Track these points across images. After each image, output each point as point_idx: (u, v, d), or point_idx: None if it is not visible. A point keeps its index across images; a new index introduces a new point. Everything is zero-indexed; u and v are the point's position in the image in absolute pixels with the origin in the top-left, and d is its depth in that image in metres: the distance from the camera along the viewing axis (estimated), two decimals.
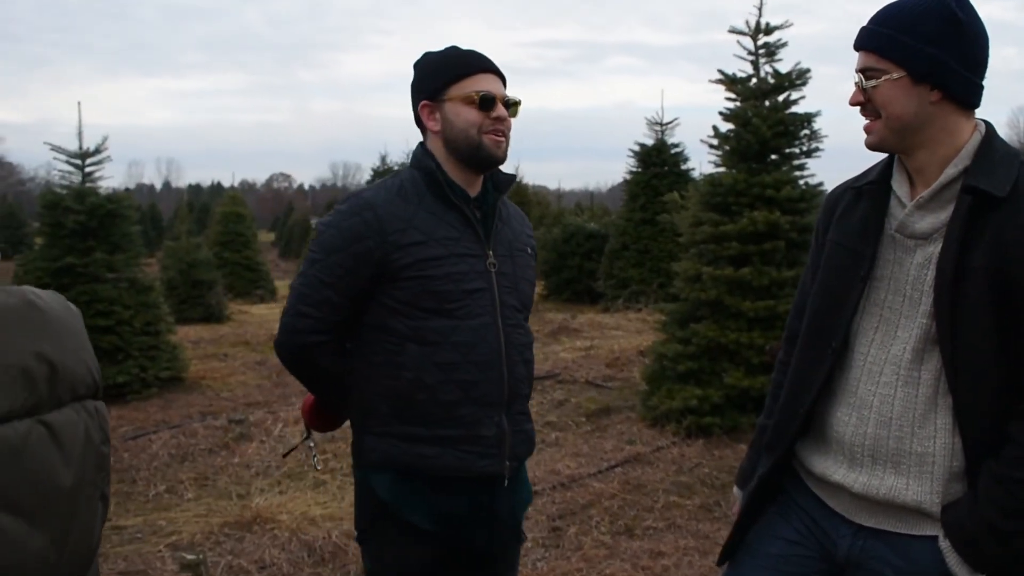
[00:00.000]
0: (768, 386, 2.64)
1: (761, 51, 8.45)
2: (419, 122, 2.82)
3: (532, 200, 35.41)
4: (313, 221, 24.15)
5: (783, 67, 8.45)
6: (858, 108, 2.23)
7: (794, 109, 8.32)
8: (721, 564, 2.54)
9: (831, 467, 2.28)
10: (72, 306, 1.31)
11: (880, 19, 2.19)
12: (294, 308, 2.71)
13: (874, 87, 2.15)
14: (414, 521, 2.68)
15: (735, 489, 2.65)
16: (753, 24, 8.42)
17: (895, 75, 2.13)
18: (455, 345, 2.63)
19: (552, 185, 52.58)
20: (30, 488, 0.99)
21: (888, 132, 2.18)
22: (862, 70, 2.18)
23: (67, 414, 1.16)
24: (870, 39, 2.18)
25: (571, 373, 10.41)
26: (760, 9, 8.45)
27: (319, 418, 2.94)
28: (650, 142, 17.63)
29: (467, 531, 2.73)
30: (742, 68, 8.55)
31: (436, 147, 2.75)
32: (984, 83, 2.18)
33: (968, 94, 2.16)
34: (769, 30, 8.42)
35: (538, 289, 19.17)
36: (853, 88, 2.23)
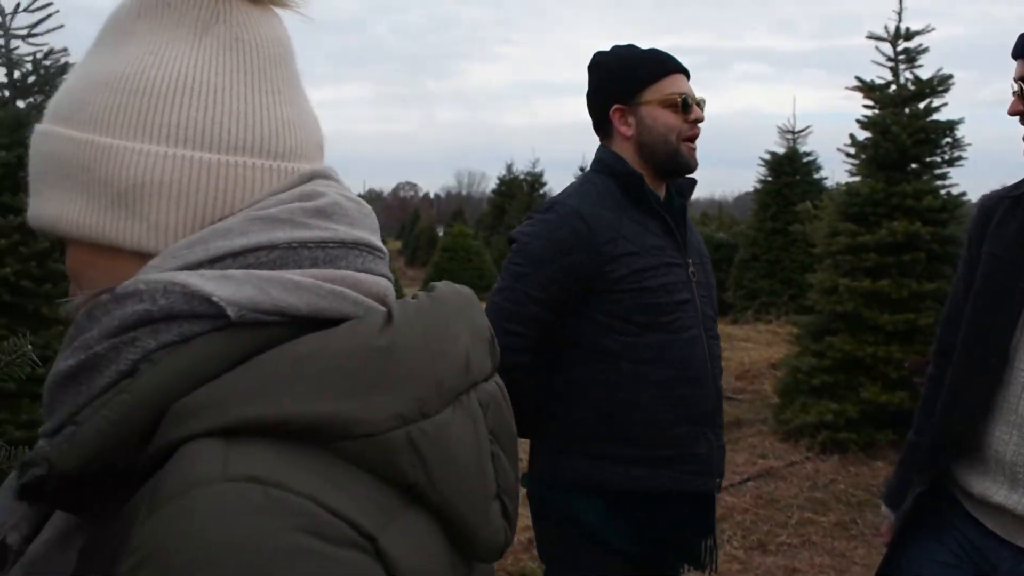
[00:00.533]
0: (907, 402, 2.57)
1: (901, 57, 8.24)
2: (602, 127, 2.68)
3: None
4: (439, 229, 24.44)
5: (923, 73, 8.22)
6: (1017, 118, 2.17)
7: (935, 116, 8.08)
8: None
9: (991, 488, 2.19)
10: None
11: None
12: (500, 326, 2.41)
13: None
14: (621, 546, 2.54)
15: (884, 508, 2.58)
16: (892, 29, 8.22)
17: None
18: (670, 362, 2.49)
19: None
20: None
21: None
22: (1020, 78, 2.10)
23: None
24: None
25: None
26: (900, 14, 8.24)
27: None
28: (781, 150, 17.30)
29: (670, 550, 2.63)
30: (880, 75, 8.36)
31: (626, 152, 2.62)
32: None
33: None
34: (909, 35, 8.21)
35: None
36: (1011, 96, 2.16)
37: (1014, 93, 2.14)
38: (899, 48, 8.22)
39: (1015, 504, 2.14)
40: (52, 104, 0.90)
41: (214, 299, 0.79)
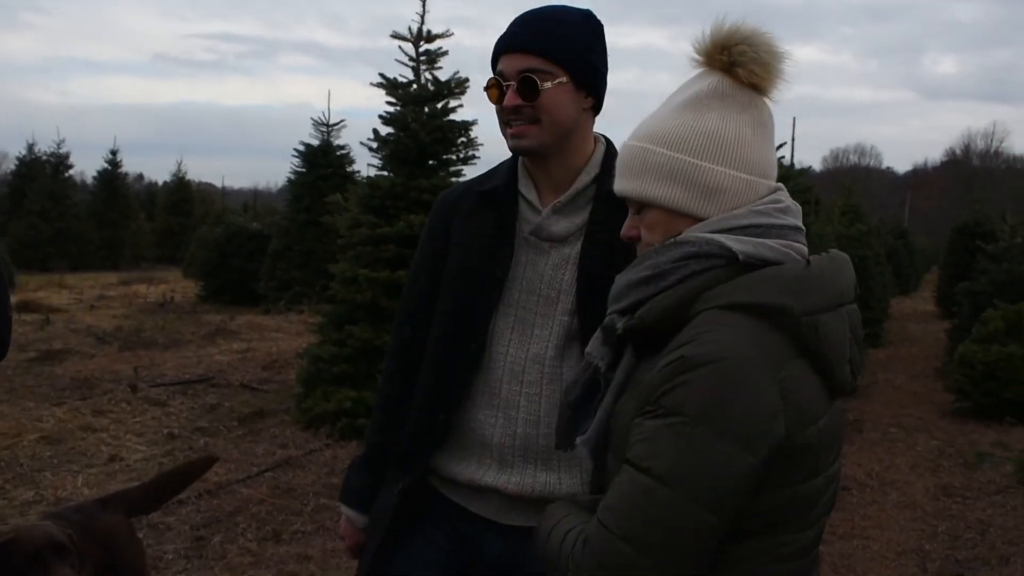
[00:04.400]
0: None
1: (423, 58, 8.58)
2: None
3: (196, 197, 34.28)
4: None
5: (443, 75, 8.62)
6: (502, 109, 2.18)
7: (452, 116, 8.51)
8: None
9: (478, 471, 2.24)
10: None
11: (534, 23, 2.17)
12: None
13: (547, 89, 2.12)
14: None
15: (347, 510, 2.49)
16: (415, 31, 8.54)
17: (562, 79, 2.14)
18: None
19: (217, 182, 50.86)
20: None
21: (548, 136, 2.17)
22: (526, 71, 2.13)
23: None
24: (532, 41, 2.15)
25: (226, 376, 10.09)
26: (423, 17, 8.58)
27: None
28: (316, 143, 17.45)
29: None
30: (403, 74, 8.65)
31: None
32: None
33: (602, 103, 2.27)
34: (431, 38, 8.56)
35: (196, 290, 18.58)
36: (504, 90, 2.15)
37: (507, 86, 2.15)
38: (421, 49, 8.56)
39: (505, 484, 2.21)
40: (647, 133, 1.75)
41: (733, 249, 1.64)
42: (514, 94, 2.15)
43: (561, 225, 2.23)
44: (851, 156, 74.92)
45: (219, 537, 5.57)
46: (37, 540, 3.01)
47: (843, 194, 19.19)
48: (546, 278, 2.23)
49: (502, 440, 2.22)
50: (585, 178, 2.23)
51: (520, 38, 2.17)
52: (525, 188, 2.28)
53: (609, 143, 2.31)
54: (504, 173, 2.33)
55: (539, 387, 2.20)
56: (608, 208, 2.17)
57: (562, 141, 2.20)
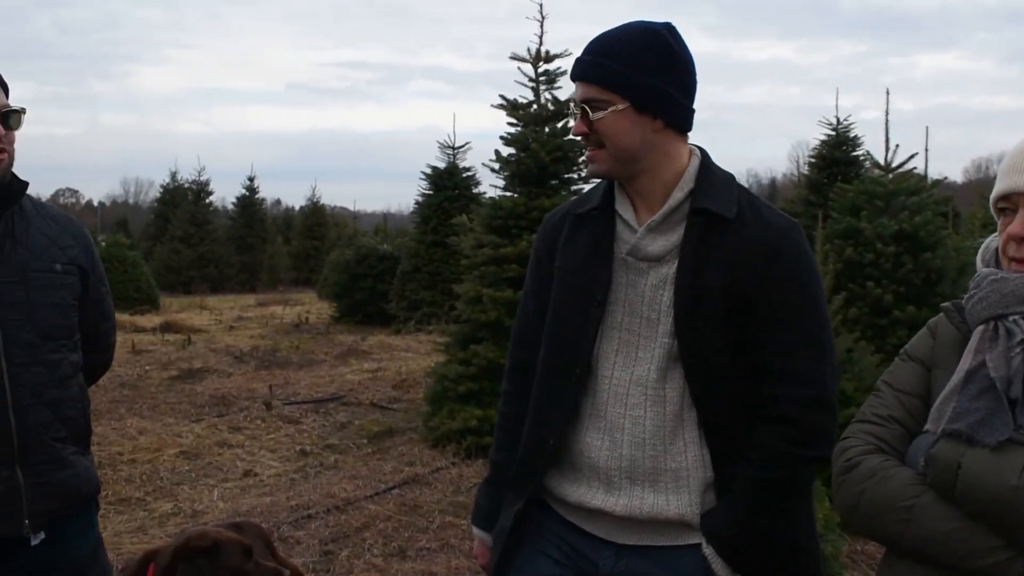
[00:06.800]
0: None
1: (542, 78, 8.67)
2: None
3: (329, 221, 35.16)
4: (101, 239, 22.93)
5: (562, 94, 8.69)
6: (580, 138, 2.25)
7: (572, 136, 8.53)
8: None
9: (587, 493, 2.26)
10: None
11: (598, 50, 2.21)
12: None
13: (600, 119, 2.17)
14: None
15: (476, 530, 2.55)
16: (534, 52, 8.63)
17: (620, 106, 2.16)
18: None
19: (350, 206, 52.12)
20: None
21: (615, 161, 2.21)
22: (585, 101, 2.19)
23: None
24: (590, 70, 2.20)
25: (356, 395, 10.33)
26: (541, 38, 8.68)
27: None
28: (442, 165, 17.76)
29: None
30: (523, 95, 8.75)
31: None
32: (695, 108, 2.28)
33: (685, 121, 2.25)
34: (549, 58, 8.65)
35: (330, 311, 19.04)
36: (575, 119, 2.23)
37: (575, 115, 2.23)
38: (540, 70, 8.64)
39: (612, 506, 2.22)
40: None
41: None
42: (579, 122, 2.21)
43: (657, 244, 2.23)
44: (993, 166, 72.16)
45: (346, 552, 5.70)
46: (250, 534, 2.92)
47: (984, 205, 18.51)
48: (646, 299, 2.23)
49: (608, 463, 2.23)
50: (679, 195, 2.23)
51: (580, 67, 2.23)
52: (622, 207, 2.29)
53: (704, 156, 2.30)
54: (601, 193, 2.35)
55: (643, 409, 2.21)
56: (703, 224, 2.19)
57: (631, 165, 2.22)
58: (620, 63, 2.17)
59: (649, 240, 2.23)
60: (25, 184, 2.55)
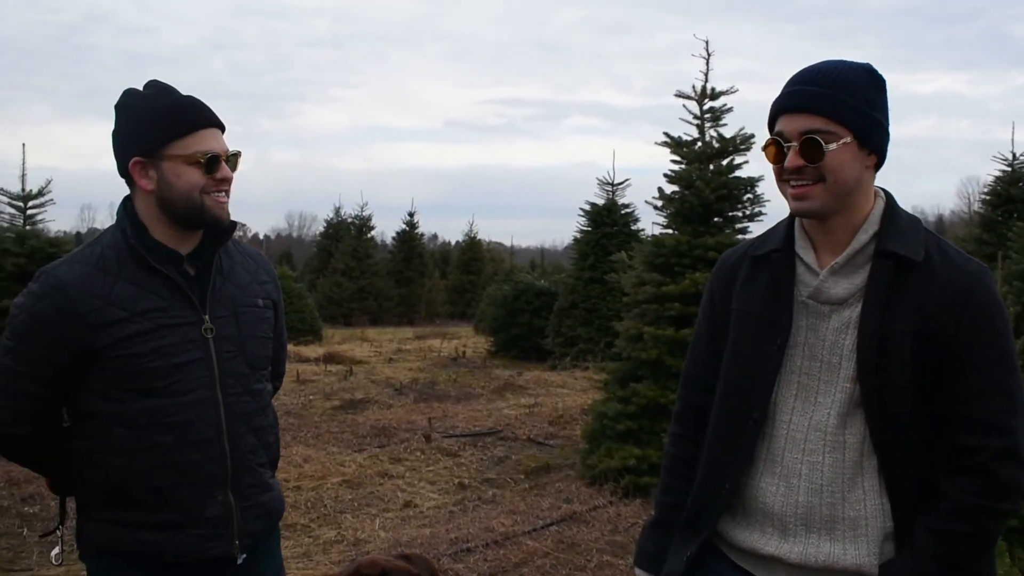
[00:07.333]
0: None
1: (707, 115, 8.58)
2: (125, 175, 2.57)
3: (485, 256, 35.63)
4: None
5: (727, 131, 8.58)
6: (781, 170, 2.17)
7: (737, 173, 8.44)
8: None
9: (760, 540, 2.23)
10: None
11: (821, 81, 2.14)
12: None
13: (832, 151, 2.10)
14: None
15: (639, 571, 2.51)
16: (699, 89, 8.57)
17: (847, 139, 2.11)
18: (168, 426, 2.46)
19: (507, 241, 52.69)
20: None
21: (831, 197, 2.13)
22: (809, 131, 2.11)
23: None
24: (820, 101, 2.12)
25: (513, 430, 10.37)
26: (706, 75, 8.60)
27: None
28: (601, 202, 17.78)
29: None
30: (687, 132, 8.68)
31: (146, 205, 2.54)
32: None
33: (884, 159, 2.21)
34: (715, 95, 8.55)
35: (486, 345, 19.25)
36: (785, 151, 2.14)
37: (788, 147, 2.13)
38: (705, 107, 8.56)
39: (787, 553, 2.18)
40: None
41: None
42: (796, 155, 2.12)
43: (840, 287, 2.18)
44: None
45: None
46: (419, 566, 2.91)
47: None
48: (827, 343, 2.18)
49: (783, 509, 2.19)
50: (863, 236, 2.17)
51: (802, 97, 2.15)
52: (803, 250, 2.24)
53: (889, 197, 2.24)
54: (780, 235, 2.31)
55: (821, 455, 2.16)
56: (888, 266, 2.12)
57: (844, 201, 2.15)
58: (847, 95, 2.12)
59: (832, 283, 2.18)
60: (235, 224, 2.66)
